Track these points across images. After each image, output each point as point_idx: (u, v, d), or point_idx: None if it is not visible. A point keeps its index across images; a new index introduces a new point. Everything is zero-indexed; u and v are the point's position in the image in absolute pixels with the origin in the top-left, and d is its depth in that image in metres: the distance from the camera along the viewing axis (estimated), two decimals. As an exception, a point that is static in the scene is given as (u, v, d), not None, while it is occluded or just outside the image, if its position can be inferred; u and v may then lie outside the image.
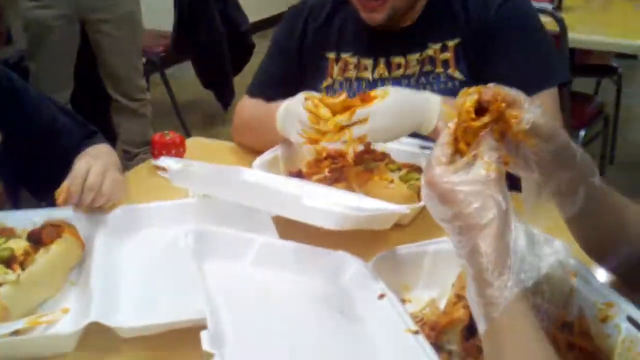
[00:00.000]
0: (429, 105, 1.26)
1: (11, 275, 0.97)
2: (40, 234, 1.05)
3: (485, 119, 0.80)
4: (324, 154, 1.40)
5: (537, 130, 0.81)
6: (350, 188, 1.29)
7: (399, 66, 1.49)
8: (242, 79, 4.11)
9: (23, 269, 1.00)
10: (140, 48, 3.25)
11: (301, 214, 1.05)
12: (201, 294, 0.85)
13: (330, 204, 1.10)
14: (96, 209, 1.20)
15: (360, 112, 1.21)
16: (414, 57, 1.48)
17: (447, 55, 1.46)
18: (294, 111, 1.29)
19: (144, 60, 3.35)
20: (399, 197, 1.24)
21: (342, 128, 1.22)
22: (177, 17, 3.77)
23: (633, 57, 4.31)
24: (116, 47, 3.08)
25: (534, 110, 0.82)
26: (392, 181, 1.28)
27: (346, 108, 1.22)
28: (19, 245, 1.03)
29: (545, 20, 2.69)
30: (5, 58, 3.07)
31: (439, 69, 1.47)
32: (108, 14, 2.99)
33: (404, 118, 1.24)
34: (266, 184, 1.22)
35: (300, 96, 1.30)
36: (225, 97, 4.06)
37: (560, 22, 2.52)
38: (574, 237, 0.98)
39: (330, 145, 1.35)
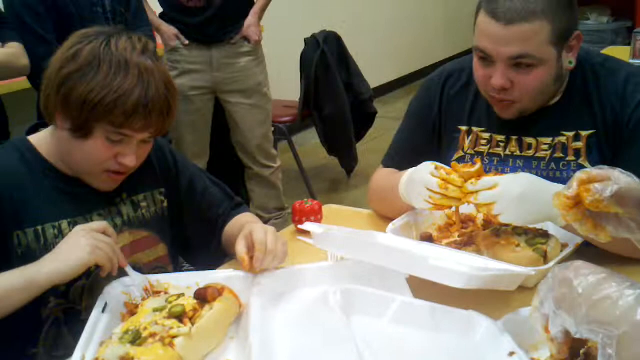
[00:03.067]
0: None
1: (184, 329, 1.11)
2: (206, 293, 1.20)
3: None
4: (454, 219, 1.48)
5: (622, 200, 0.90)
6: (478, 251, 1.37)
7: (529, 147, 1.52)
8: (365, 145, 4.28)
9: (192, 323, 1.14)
10: (269, 117, 3.49)
11: (430, 274, 1.14)
12: (351, 347, 0.95)
13: (456, 264, 1.17)
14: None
15: (489, 179, 1.30)
16: (545, 140, 1.50)
17: (580, 144, 1.48)
18: (419, 178, 1.38)
19: (272, 129, 3.58)
20: (525, 260, 1.29)
21: (468, 194, 1.31)
22: (304, 88, 4.01)
23: None
24: (246, 116, 3.34)
25: (617, 182, 0.92)
26: (518, 245, 1.33)
27: (480, 177, 1.31)
28: (188, 302, 1.18)
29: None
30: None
31: (571, 157, 1.48)
32: (239, 85, 3.27)
33: (534, 201, 1.28)
34: (398, 246, 1.31)
35: (428, 165, 1.39)
36: (349, 163, 4.21)
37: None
38: None
39: (461, 210, 1.43)
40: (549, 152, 1.50)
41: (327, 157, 4.34)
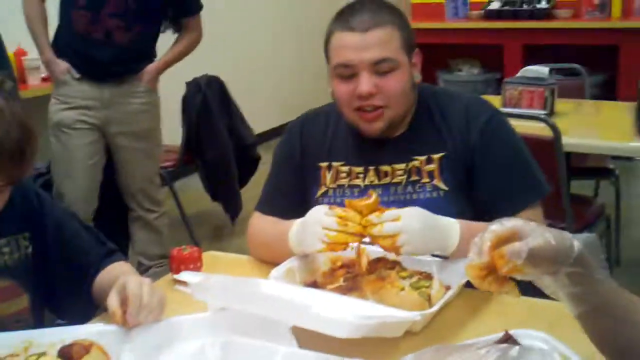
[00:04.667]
0: (452, 226, 1.39)
1: (44, 393, 1.00)
2: (71, 351, 1.09)
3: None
4: (339, 264, 1.45)
5: (534, 260, 0.90)
6: (363, 296, 1.34)
7: (386, 174, 1.59)
8: (249, 191, 4.22)
9: (54, 385, 1.03)
10: (157, 163, 3.39)
11: (313, 323, 1.11)
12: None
13: (341, 312, 1.14)
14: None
15: (392, 212, 1.32)
16: (400, 166, 1.58)
17: (432, 167, 1.56)
18: (313, 220, 1.38)
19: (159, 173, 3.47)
20: (410, 304, 1.28)
21: (370, 226, 1.32)
22: (185, 133, 3.92)
23: (629, 158, 4.46)
24: (132, 159, 3.21)
25: (527, 242, 0.91)
26: (403, 289, 1.32)
27: (377, 210, 1.33)
28: (51, 362, 1.07)
29: (539, 126, 2.81)
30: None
31: (425, 179, 1.56)
32: (127, 127, 3.14)
33: (433, 232, 1.35)
34: (280, 294, 1.26)
35: (320, 207, 1.40)
36: (233, 209, 4.14)
37: (553, 127, 2.63)
38: (586, 333, 1.01)
39: (345, 254, 1.41)
40: (404, 177, 1.57)
41: (211, 203, 4.25)
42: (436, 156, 1.56)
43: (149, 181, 3.32)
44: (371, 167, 1.60)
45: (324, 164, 1.64)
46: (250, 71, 5.92)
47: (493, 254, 0.94)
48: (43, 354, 1.11)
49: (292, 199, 1.63)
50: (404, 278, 1.37)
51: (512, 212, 1.47)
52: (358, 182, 1.60)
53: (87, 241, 1.49)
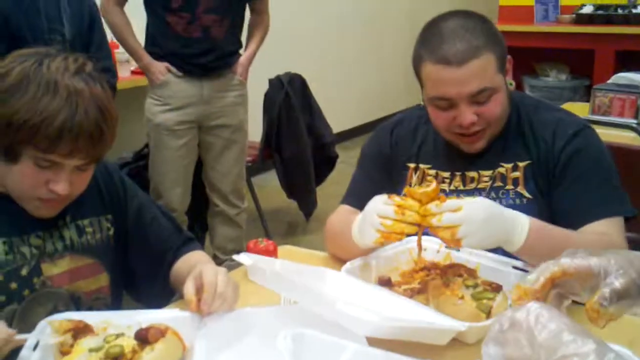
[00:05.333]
0: (519, 220, 1.33)
1: (121, 372, 1.04)
2: (147, 334, 1.12)
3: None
4: (421, 265, 1.44)
5: (625, 295, 0.85)
6: (427, 301, 1.33)
7: (472, 180, 1.58)
8: (325, 189, 4.25)
9: (130, 366, 1.06)
10: (245, 156, 3.44)
11: (337, 317, 1.12)
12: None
13: (366, 311, 1.12)
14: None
15: (453, 201, 1.29)
16: (486, 173, 1.57)
17: (517, 174, 1.54)
18: (371, 209, 1.36)
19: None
20: (463, 314, 1.25)
21: (429, 215, 1.28)
22: (266, 129, 3.97)
23: None
24: (226, 151, 3.28)
25: (613, 280, 0.86)
26: (462, 297, 1.29)
27: (437, 199, 1.29)
28: (128, 343, 1.10)
29: (629, 135, 2.71)
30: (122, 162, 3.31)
31: (509, 186, 1.54)
32: (225, 120, 3.21)
33: (496, 225, 1.30)
34: (319, 286, 1.28)
35: (380, 196, 1.37)
36: (308, 206, 4.17)
37: (644, 137, 2.53)
38: None
39: (429, 257, 1.40)
40: (489, 183, 1.56)
41: (286, 200, 4.29)
42: (522, 164, 1.54)
43: (238, 175, 3.38)
44: (458, 173, 1.59)
45: (411, 165, 1.65)
46: (331, 70, 5.94)
47: (587, 308, 0.89)
48: (121, 334, 1.14)
49: (377, 192, 1.53)
50: (467, 287, 1.33)
51: (585, 221, 1.44)
52: (444, 186, 1.59)
53: (166, 228, 1.53)
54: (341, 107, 5.83)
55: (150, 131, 3.18)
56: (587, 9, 5.53)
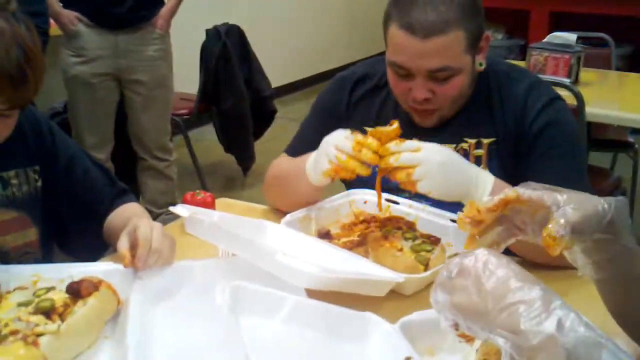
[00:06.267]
0: (484, 177, 1.31)
1: (51, 326, 1.00)
2: (79, 287, 1.08)
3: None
4: (361, 218, 1.43)
5: (578, 229, 0.85)
6: (366, 253, 1.33)
7: None
8: (263, 144, 4.21)
9: (62, 320, 1.03)
10: (169, 111, 3.38)
11: (276, 269, 1.11)
12: (237, 348, 0.88)
13: (304, 263, 1.12)
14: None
15: (413, 142, 1.26)
16: (449, 146, 1.48)
17: (481, 151, 1.50)
18: (331, 140, 1.33)
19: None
20: (401, 266, 1.25)
21: (388, 155, 1.26)
22: (203, 81, 3.89)
23: (649, 132, 4.40)
24: (147, 107, 3.20)
25: (566, 212, 0.86)
26: (401, 249, 1.29)
27: (398, 140, 1.27)
28: (59, 296, 1.07)
29: (564, 94, 2.76)
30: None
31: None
32: (143, 75, 3.12)
33: (456, 173, 1.27)
34: (258, 239, 1.26)
35: (343, 130, 1.34)
36: (246, 161, 4.13)
37: (577, 95, 2.59)
38: (602, 299, 0.99)
39: (369, 210, 1.38)
40: None
41: (224, 154, 4.24)
42: (486, 141, 1.49)
43: (161, 129, 3.32)
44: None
45: (369, 130, 1.59)
46: (271, 24, 5.84)
47: (544, 235, 0.89)
48: (52, 288, 1.10)
49: None
50: (406, 239, 1.33)
51: None
52: None
53: (99, 179, 1.48)
54: (280, 61, 5.75)
55: (66, 83, 3.10)
56: (524, -31, 5.59)
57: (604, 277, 0.94)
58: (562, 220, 0.85)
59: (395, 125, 1.28)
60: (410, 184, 1.26)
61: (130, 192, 1.54)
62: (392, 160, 1.25)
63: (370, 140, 1.27)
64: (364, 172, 1.29)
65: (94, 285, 1.10)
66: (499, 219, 0.95)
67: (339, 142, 1.30)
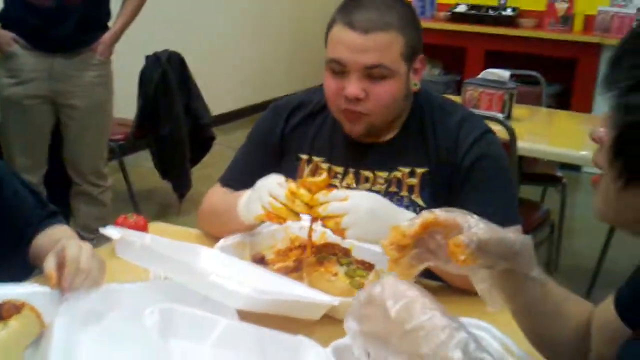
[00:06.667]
0: (406, 216, 1.31)
1: (-32, 349, 0.95)
2: (0, 310, 1.04)
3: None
4: (297, 244, 1.43)
5: (485, 248, 0.89)
6: (301, 278, 1.32)
7: (366, 180, 1.54)
8: (199, 170, 4.17)
9: (-20, 343, 0.98)
10: (107, 137, 3.31)
11: (209, 290, 1.10)
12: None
13: (238, 284, 1.11)
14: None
15: (340, 192, 1.29)
16: (382, 174, 1.53)
17: (414, 181, 1.51)
18: (264, 186, 1.34)
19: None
20: (336, 291, 1.26)
21: (316, 205, 1.27)
22: (141, 106, 3.84)
23: (577, 168, 4.56)
24: (83, 132, 3.13)
25: (476, 230, 0.89)
26: (335, 274, 1.30)
27: (326, 190, 1.29)
28: (-22, 319, 1.02)
29: (496, 128, 2.84)
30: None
31: (404, 193, 1.51)
32: (80, 100, 3.05)
33: (383, 218, 1.27)
34: (190, 260, 1.26)
35: (277, 176, 1.35)
36: (182, 187, 4.07)
37: (509, 130, 2.66)
38: (521, 328, 1.03)
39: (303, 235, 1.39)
40: (384, 186, 1.53)
41: (160, 180, 4.17)
42: (420, 170, 1.51)
43: (97, 156, 3.25)
44: (352, 170, 1.55)
45: (304, 156, 1.59)
46: (212, 51, 5.83)
47: (450, 243, 0.92)
48: (-30, 310, 1.05)
49: (259, 178, 1.45)
50: (341, 265, 1.34)
51: None
52: (335, 182, 1.55)
53: (27, 201, 1.44)
54: (221, 90, 5.73)
55: (1, 104, 3.01)
56: (461, 8, 5.76)
57: (514, 309, 0.97)
58: (470, 231, 0.88)
59: (324, 175, 1.33)
60: (339, 232, 1.28)
61: (59, 215, 1.50)
62: (321, 210, 1.28)
63: (302, 192, 1.29)
64: (296, 219, 1.32)
65: (16, 308, 1.05)
66: (417, 242, 0.97)
67: (273, 189, 1.32)
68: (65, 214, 3.36)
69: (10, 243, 1.39)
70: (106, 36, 3.07)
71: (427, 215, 0.93)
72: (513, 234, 0.93)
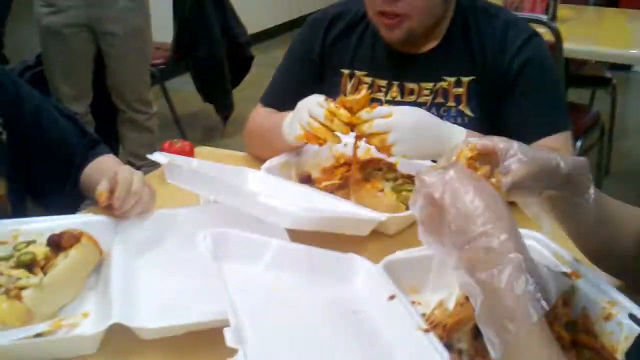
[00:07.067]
0: (457, 134, 1.31)
1: (34, 279, 0.99)
2: (60, 239, 1.08)
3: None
4: (342, 161, 1.43)
5: (520, 185, 0.85)
6: (347, 195, 1.33)
7: (411, 92, 1.52)
8: (241, 92, 4.16)
9: (44, 273, 1.02)
10: (148, 63, 3.30)
11: (258, 211, 1.11)
12: (222, 295, 0.88)
13: (288, 203, 1.12)
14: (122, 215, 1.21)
15: (384, 108, 1.26)
16: (427, 85, 1.50)
17: (460, 90, 1.49)
18: (304, 106, 1.32)
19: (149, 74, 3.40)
20: (383, 206, 1.26)
21: (361, 123, 1.26)
22: (177, 29, 3.81)
23: (626, 68, 4.41)
24: (124, 59, 3.13)
25: (511, 167, 0.85)
26: (382, 190, 1.30)
27: (369, 107, 1.27)
28: (40, 250, 1.06)
29: (541, 30, 2.74)
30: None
31: (451, 103, 1.49)
32: (117, 27, 3.04)
33: (429, 133, 1.27)
34: (239, 182, 1.26)
35: (317, 96, 1.33)
36: (224, 110, 4.09)
37: (555, 32, 2.57)
38: (580, 249, 1.01)
39: (345, 152, 1.38)
40: (430, 98, 1.50)
41: (202, 104, 4.19)
42: (466, 79, 1.48)
43: (140, 82, 3.25)
44: (395, 82, 1.53)
45: (346, 71, 1.57)
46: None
47: (491, 181, 0.89)
48: (32, 241, 1.09)
49: (301, 96, 1.42)
50: (387, 180, 1.34)
51: (536, 137, 1.39)
52: (380, 95, 1.53)
53: (69, 130, 1.45)
54: (256, 7, 5.64)
55: (39, 34, 3.02)
56: None
57: (569, 232, 0.95)
58: (504, 166, 0.85)
59: (364, 92, 1.29)
60: (385, 149, 1.27)
61: (102, 143, 1.51)
62: (365, 128, 1.26)
63: (342, 111, 1.27)
64: (335, 141, 1.31)
65: (75, 237, 1.09)
66: None
67: (312, 109, 1.30)
68: (113, 142, 3.45)
69: (57, 173, 1.42)
70: None
71: (462, 146, 0.90)
72: (562, 158, 0.87)
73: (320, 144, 1.32)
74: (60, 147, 1.42)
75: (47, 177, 1.42)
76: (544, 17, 2.92)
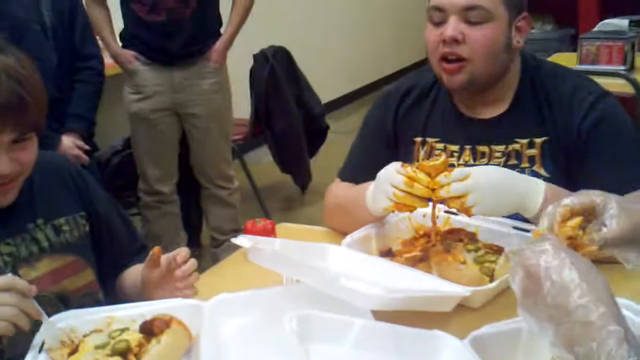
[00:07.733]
0: (535, 186, 1.30)
1: (129, 367, 1.03)
2: (152, 326, 1.11)
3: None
4: (421, 232, 1.43)
5: (614, 243, 0.84)
6: (429, 268, 1.32)
7: (483, 155, 1.52)
8: (318, 161, 4.23)
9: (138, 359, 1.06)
10: (229, 140, 3.41)
11: (342, 293, 1.11)
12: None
13: (370, 284, 1.12)
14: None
15: (461, 170, 1.27)
16: (499, 148, 1.51)
17: (534, 152, 1.48)
18: (385, 176, 1.34)
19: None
20: (465, 279, 1.25)
21: (439, 188, 1.27)
22: (254, 105, 3.94)
23: None
24: (206, 138, 3.25)
25: (606, 226, 0.84)
26: (464, 262, 1.29)
27: (446, 171, 1.28)
28: (133, 337, 1.10)
29: (619, 82, 2.69)
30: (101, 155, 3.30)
31: (525, 164, 1.48)
32: (200, 108, 3.17)
33: (507, 190, 1.28)
34: (320, 264, 1.28)
35: (395, 164, 1.35)
36: (303, 180, 4.16)
37: (633, 82, 2.52)
38: None
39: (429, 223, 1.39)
40: (502, 160, 1.50)
41: (280, 174, 4.27)
42: (539, 140, 1.48)
43: (221, 160, 3.35)
44: (467, 146, 1.54)
45: (418, 139, 1.60)
46: (315, 39, 5.87)
47: (573, 236, 0.88)
48: (126, 329, 1.13)
49: (378, 169, 1.42)
50: (469, 251, 1.33)
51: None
52: (452, 160, 1.54)
53: (124, 231, 1.53)
54: (328, 77, 5.77)
55: (130, 120, 3.19)
56: (568, -44, 5.46)
57: None
58: (601, 236, 0.84)
59: (443, 157, 1.30)
60: (465, 211, 1.27)
61: (147, 249, 1.52)
62: (444, 193, 1.26)
63: (421, 176, 1.29)
64: (422, 206, 1.31)
65: (166, 323, 1.13)
66: None
67: (392, 178, 1.31)
68: (198, 217, 3.55)
69: (107, 270, 1.48)
70: (218, 44, 3.16)
71: (560, 210, 0.89)
72: None
73: (410, 211, 1.34)
74: (115, 245, 1.49)
75: (107, 269, 1.48)
76: (622, 68, 2.87)
